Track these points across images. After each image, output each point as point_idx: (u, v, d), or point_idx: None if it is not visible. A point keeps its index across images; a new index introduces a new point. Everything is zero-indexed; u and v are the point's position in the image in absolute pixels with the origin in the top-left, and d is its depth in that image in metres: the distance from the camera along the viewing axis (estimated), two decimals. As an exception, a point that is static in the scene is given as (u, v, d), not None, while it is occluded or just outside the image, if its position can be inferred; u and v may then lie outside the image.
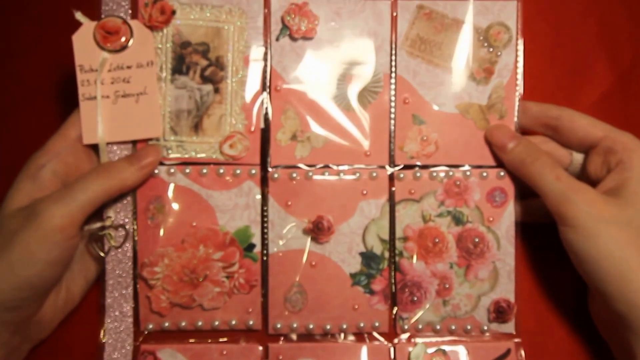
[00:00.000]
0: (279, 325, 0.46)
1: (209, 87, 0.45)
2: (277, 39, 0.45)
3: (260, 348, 0.45)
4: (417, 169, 0.46)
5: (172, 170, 0.45)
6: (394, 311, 0.46)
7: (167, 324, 0.45)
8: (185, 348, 0.45)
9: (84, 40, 0.43)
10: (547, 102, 0.45)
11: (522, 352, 0.45)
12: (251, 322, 0.45)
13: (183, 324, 0.45)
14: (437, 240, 0.45)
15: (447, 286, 0.46)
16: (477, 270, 0.46)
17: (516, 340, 0.46)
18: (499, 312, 0.45)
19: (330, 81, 0.45)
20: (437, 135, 0.46)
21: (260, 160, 0.45)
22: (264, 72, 0.45)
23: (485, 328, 0.46)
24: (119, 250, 0.44)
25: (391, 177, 0.46)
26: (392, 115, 0.46)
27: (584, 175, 0.44)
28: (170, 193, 0.45)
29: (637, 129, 0.43)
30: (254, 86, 0.45)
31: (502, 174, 0.45)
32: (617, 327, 0.40)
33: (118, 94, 0.43)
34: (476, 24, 0.46)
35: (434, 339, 0.46)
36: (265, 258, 0.46)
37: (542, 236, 0.46)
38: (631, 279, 0.38)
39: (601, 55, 0.51)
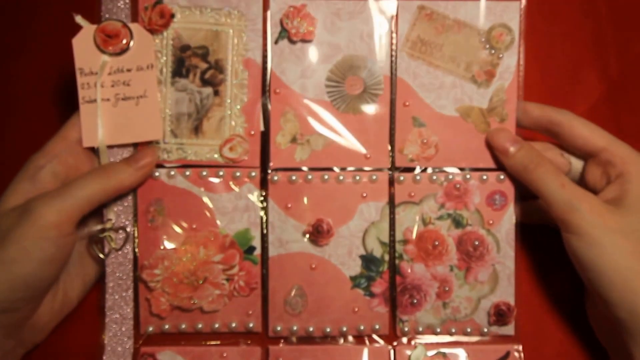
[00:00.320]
0: (279, 328, 0.46)
1: (208, 90, 0.45)
2: (276, 42, 0.45)
3: (260, 351, 0.45)
4: (417, 171, 0.46)
5: (172, 173, 0.45)
6: (394, 314, 0.46)
7: (167, 327, 0.45)
8: (185, 350, 0.45)
9: (84, 43, 0.43)
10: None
11: (522, 355, 0.45)
12: (251, 325, 0.46)
13: (183, 326, 0.45)
14: (437, 243, 0.45)
15: (447, 289, 0.45)
16: (477, 273, 0.45)
17: (516, 346, 0.45)
18: (499, 315, 0.45)
19: (329, 83, 0.45)
20: (437, 138, 0.45)
21: (260, 162, 0.45)
22: (264, 75, 0.45)
23: (485, 331, 0.46)
24: (119, 252, 0.44)
25: (391, 180, 0.46)
26: (392, 118, 0.46)
27: (582, 184, 0.44)
28: (170, 195, 0.45)
29: (630, 137, 0.44)
30: (253, 89, 0.45)
31: (502, 177, 0.45)
32: (617, 333, 0.40)
33: (118, 96, 0.43)
34: (478, 25, 0.45)
35: (434, 342, 0.46)
36: (265, 261, 0.46)
37: (542, 239, 0.46)
38: (634, 288, 0.38)
39: (593, 65, 0.51)
